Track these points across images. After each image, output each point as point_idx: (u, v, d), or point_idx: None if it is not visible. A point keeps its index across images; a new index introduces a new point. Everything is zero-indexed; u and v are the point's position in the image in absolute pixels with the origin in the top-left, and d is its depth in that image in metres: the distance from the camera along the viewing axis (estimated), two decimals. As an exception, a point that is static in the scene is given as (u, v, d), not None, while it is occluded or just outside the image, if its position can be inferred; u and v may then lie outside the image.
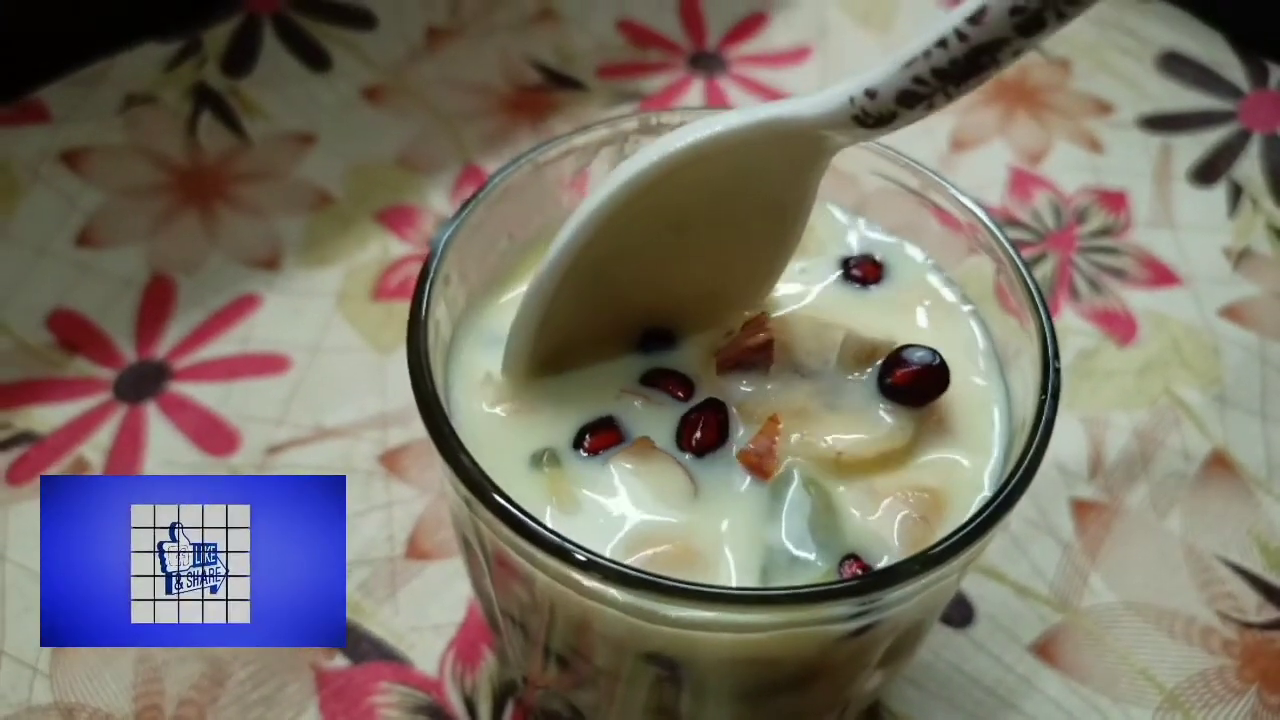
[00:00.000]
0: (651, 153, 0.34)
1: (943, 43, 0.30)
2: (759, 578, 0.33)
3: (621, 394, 0.37)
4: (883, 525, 0.34)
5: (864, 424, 0.35)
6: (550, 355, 0.37)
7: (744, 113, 0.34)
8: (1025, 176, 0.66)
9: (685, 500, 0.34)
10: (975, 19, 0.29)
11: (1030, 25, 0.29)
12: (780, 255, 0.39)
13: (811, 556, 0.33)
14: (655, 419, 0.36)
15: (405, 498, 0.51)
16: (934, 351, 0.36)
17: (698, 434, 0.35)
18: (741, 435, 0.36)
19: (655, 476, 0.35)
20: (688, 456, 0.35)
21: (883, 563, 0.33)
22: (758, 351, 0.36)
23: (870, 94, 0.32)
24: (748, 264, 0.39)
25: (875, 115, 0.32)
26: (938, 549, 0.30)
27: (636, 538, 0.33)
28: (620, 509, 0.34)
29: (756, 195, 0.36)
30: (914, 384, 0.35)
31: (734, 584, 0.33)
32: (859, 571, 0.33)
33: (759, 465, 0.35)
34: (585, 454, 0.35)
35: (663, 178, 0.34)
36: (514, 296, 0.40)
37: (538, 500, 0.34)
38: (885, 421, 0.35)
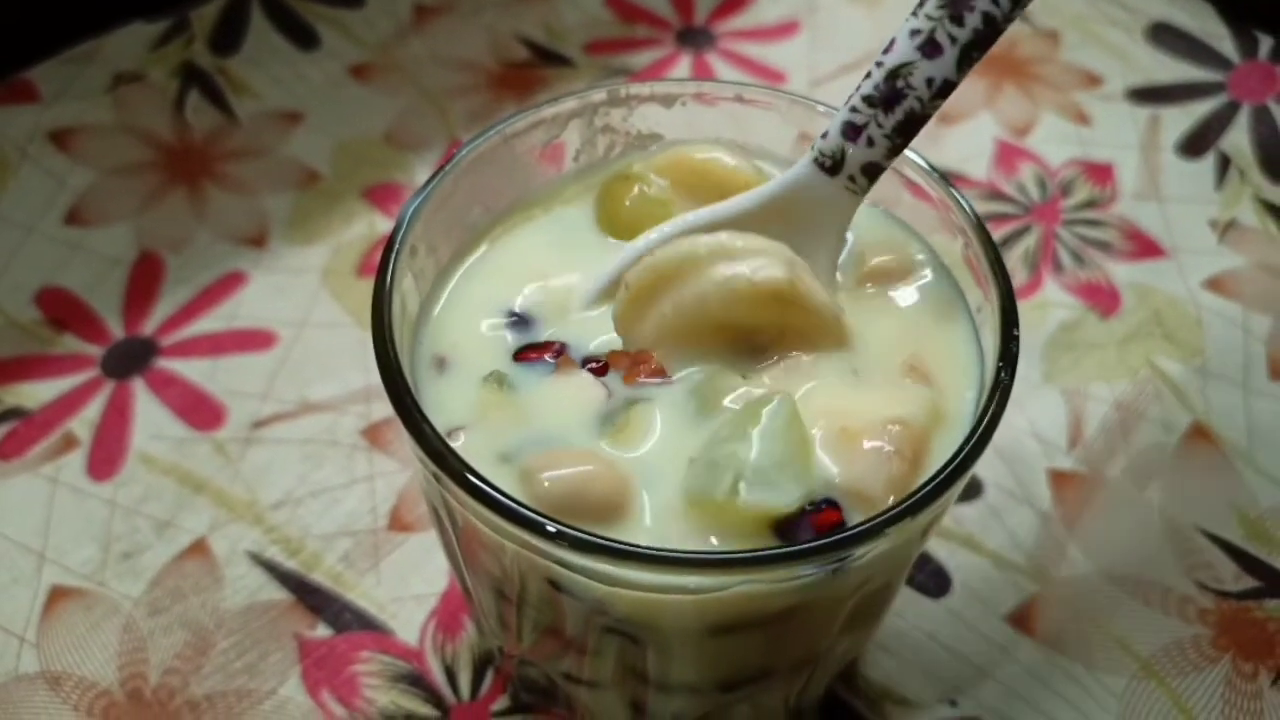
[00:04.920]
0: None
1: (868, 73, 0.35)
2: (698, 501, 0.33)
3: None
4: (859, 462, 0.34)
5: None
6: None
7: (752, 194, 0.38)
8: (1011, 149, 0.66)
9: (596, 408, 0.36)
10: (888, 47, 0.34)
11: (928, 47, 0.34)
12: None
13: (779, 490, 0.33)
14: None
15: (387, 470, 0.52)
16: None
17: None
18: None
19: (572, 387, 0.37)
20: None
21: (854, 503, 0.34)
22: None
23: (824, 135, 0.36)
24: None
25: (829, 154, 0.36)
26: (880, 518, 0.31)
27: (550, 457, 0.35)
28: (538, 416, 0.36)
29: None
30: None
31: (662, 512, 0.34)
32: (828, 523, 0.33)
33: (630, 361, 0.37)
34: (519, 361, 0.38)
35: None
36: (486, 259, 0.41)
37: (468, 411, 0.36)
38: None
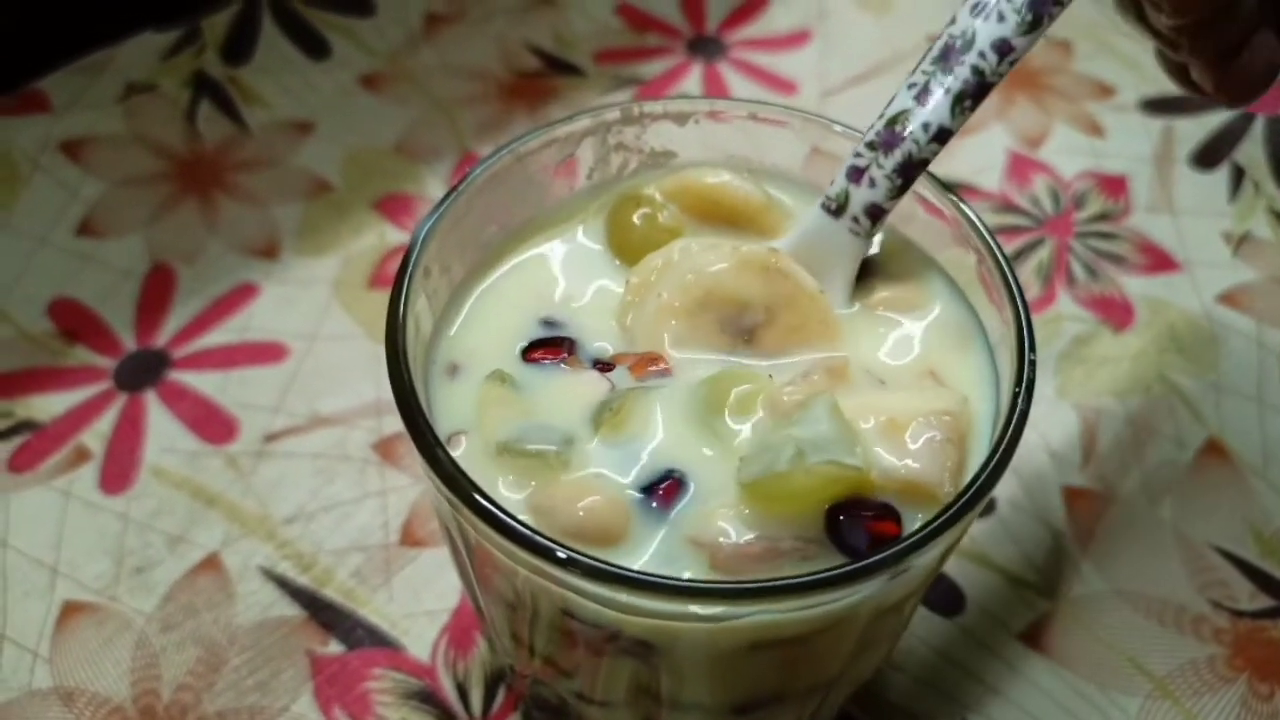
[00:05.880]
0: None
1: (872, 124, 0.38)
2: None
3: None
4: (916, 452, 0.34)
5: None
6: None
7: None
8: (1024, 161, 0.66)
9: (593, 398, 0.36)
10: (891, 101, 0.38)
11: (922, 95, 0.37)
12: None
13: (844, 454, 0.33)
14: None
15: (399, 485, 0.52)
16: None
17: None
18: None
19: (577, 383, 0.37)
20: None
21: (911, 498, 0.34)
22: None
23: (833, 181, 0.39)
24: None
25: (835, 197, 0.39)
26: (899, 546, 0.31)
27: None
28: (537, 409, 0.37)
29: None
30: None
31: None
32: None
33: (637, 359, 0.37)
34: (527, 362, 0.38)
35: None
36: (500, 278, 0.41)
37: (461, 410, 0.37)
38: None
